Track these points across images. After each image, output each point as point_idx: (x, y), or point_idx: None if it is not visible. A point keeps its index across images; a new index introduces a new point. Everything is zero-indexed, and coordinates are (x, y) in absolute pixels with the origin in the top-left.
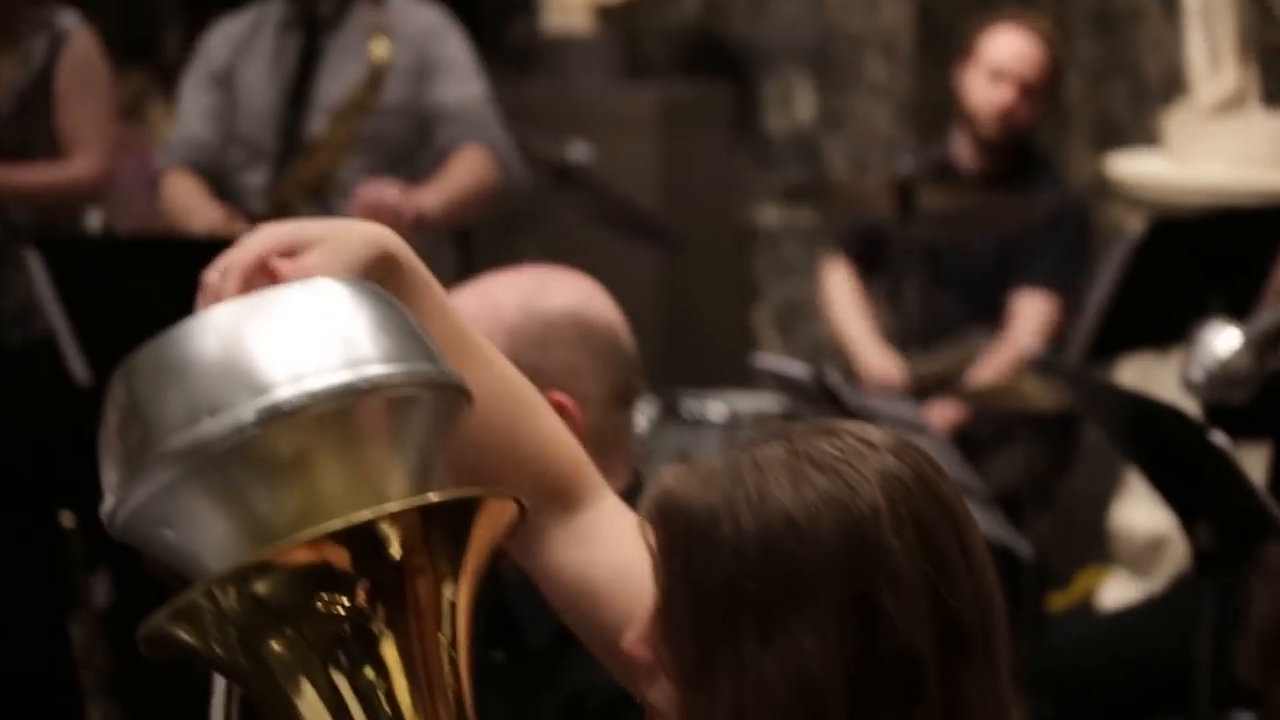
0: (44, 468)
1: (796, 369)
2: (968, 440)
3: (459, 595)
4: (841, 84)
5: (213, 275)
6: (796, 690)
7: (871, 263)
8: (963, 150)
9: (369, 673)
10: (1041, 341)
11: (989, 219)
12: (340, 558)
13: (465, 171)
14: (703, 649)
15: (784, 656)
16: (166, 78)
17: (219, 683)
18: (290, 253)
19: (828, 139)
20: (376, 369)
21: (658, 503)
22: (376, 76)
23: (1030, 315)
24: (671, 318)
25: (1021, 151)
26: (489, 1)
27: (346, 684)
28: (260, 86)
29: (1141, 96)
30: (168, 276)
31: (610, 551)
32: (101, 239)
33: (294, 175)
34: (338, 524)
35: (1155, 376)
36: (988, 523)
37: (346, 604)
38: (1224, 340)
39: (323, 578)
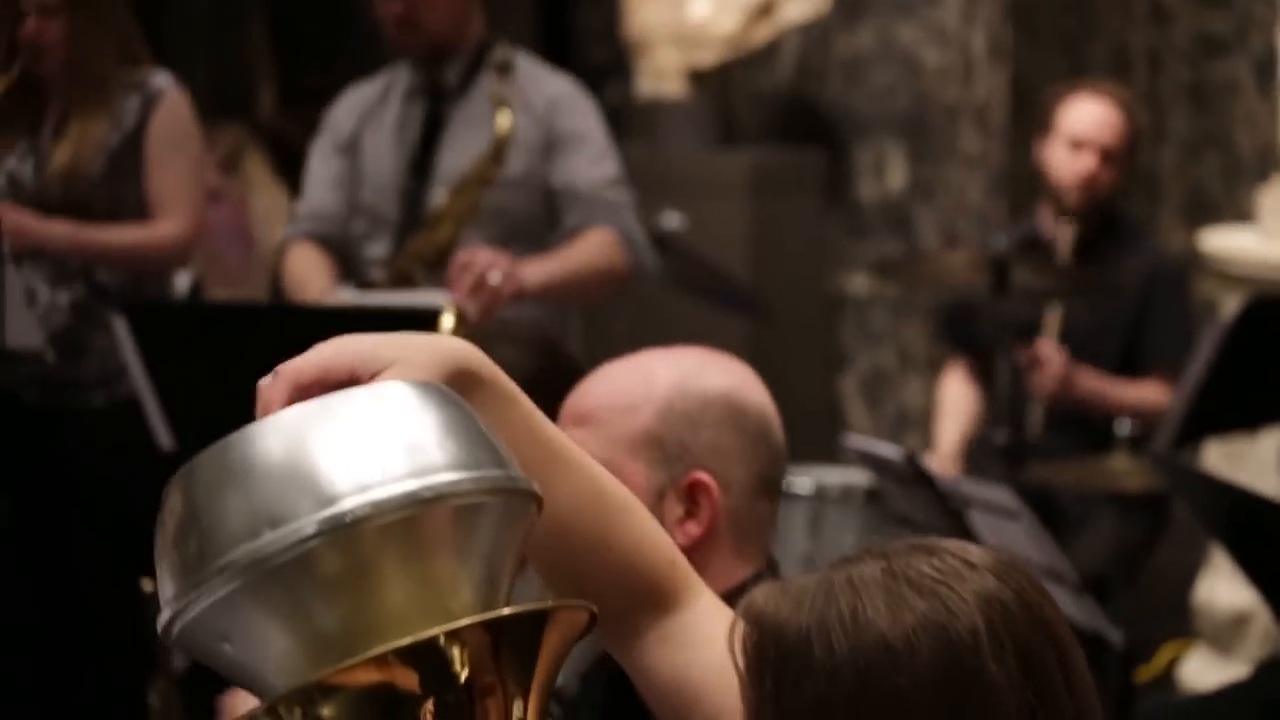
0: (124, 532)
1: (888, 450)
2: (1057, 516)
3: (529, 711)
4: (934, 154)
5: (266, 382)
6: None
7: (969, 341)
8: (1049, 224)
9: None
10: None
11: (1082, 292)
12: (407, 677)
13: (584, 252)
14: None
15: None
16: (261, 133)
17: None
18: (356, 378)
19: (919, 208)
20: (443, 477)
21: (748, 621)
22: (499, 149)
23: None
24: None
25: (1108, 219)
26: (584, 65)
27: None
28: (384, 155)
29: (1234, 171)
30: (252, 343)
31: (705, 653)
32: (187, 305)
33: (413, 247)
34: (404, 642)
35: (1244, 456)
36: (1079, 610)
37: None
38: None
39: (388, 698)
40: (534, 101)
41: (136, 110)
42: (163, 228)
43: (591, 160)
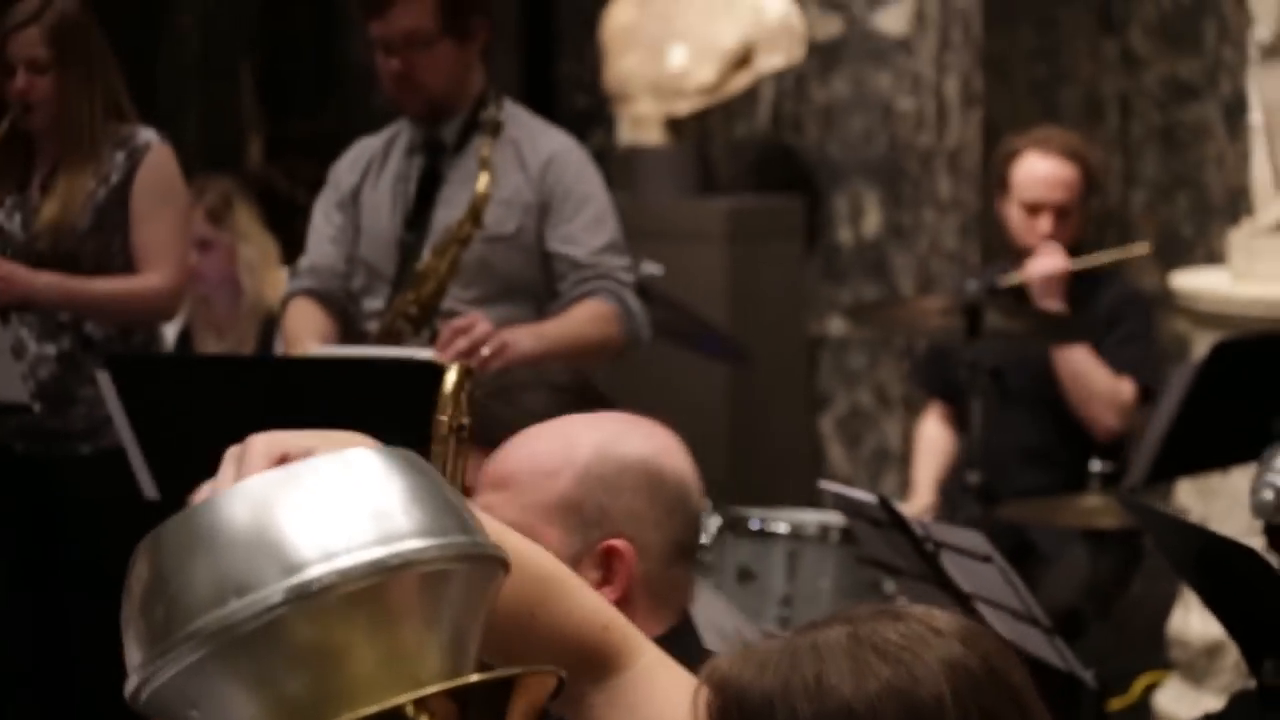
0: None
1: (862, 495)
2: (1032, 553)
3: None
4: (909, 199)
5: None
6: None
7: (944, 385)
8: (1020, 267)
9: None
10: (1118, 421)
11: (1054, 334)
12: None
13: (580, 324)
14: None
15: None
16: (249, 183)
17: None
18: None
19: (895, 252)
20: (409, 544)
21: (710, 686)
22: (475, 210)
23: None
24: (737, 427)
25: (1074, 257)
26: (567, 114)
27: None
28: (382, 210)
29: (1205, 213)
30: (234, 395)
31: (654, 710)
32: (169, 357)
33: (399, 304)
34: (372, 709)
35: (1216, 492)
36: (1051, 651)
37: None
38: None
39: None
40: (529, 161)
41: (123, 164)
42: (149, 280)
43: (589, 225)
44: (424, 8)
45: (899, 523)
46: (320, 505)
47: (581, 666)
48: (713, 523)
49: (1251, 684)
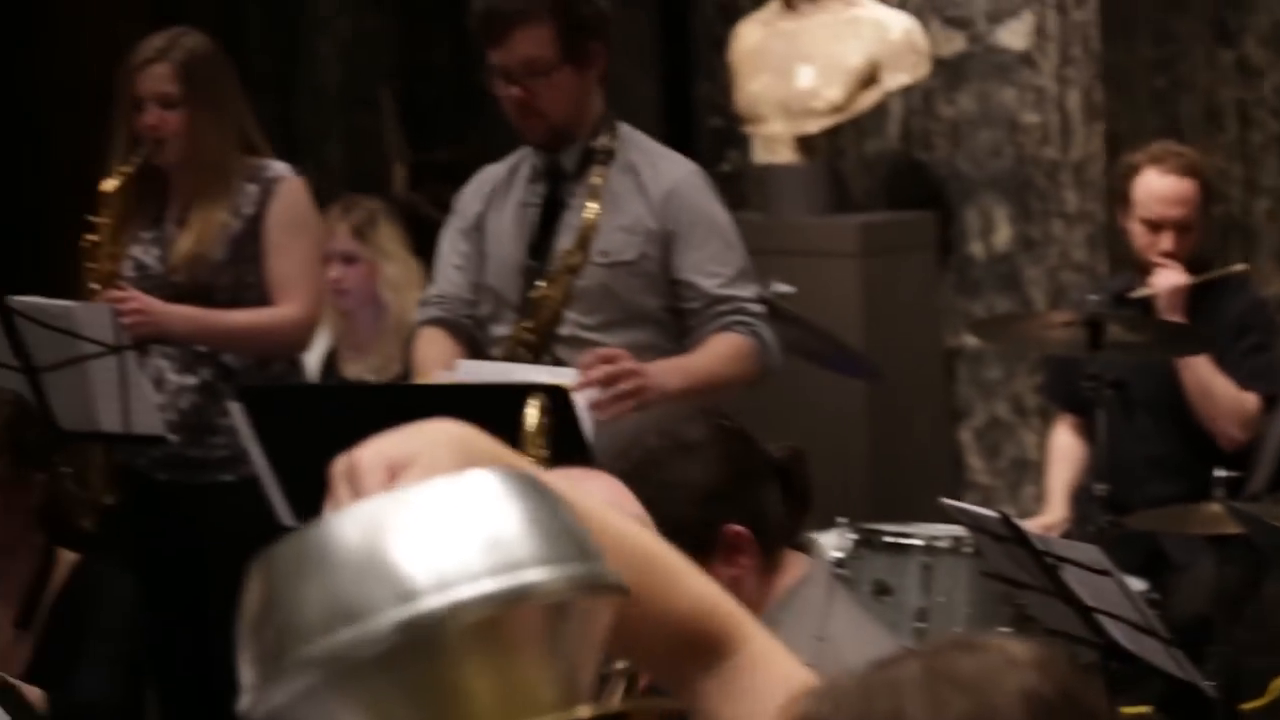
0: None
1: (984, 511)
2: (1163, 561)
3: None
4: (1037, 212)
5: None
6: None
7: (1071, 397)
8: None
9: None
10: (1243, 432)
11: (1177, 345)
12: None
13: (719, 361)
14: None
15: None
16: (395, 207)
17: None
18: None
19: (1026, 264)
20: (527, 575)
21: None
22: (583, 239)
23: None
24: (876, 442)
25: (1198, 267)
26: (704, 134)
27: None
28: (505, 237)
29: None
30: (364, 422)
31: (765, 697)
32: (300, 387)
33: (517, 332)
34: None
35: None
36: (1171, 662)
37: None
38: None
39: None
40: (650, 188)
41: (255, 197)
42: (283, 311)
43: (718, 254)
44: (543, 36)
45: (1020, 538)
46: (435, 529)
47: (690, 651)
48: (848, 537)
49: None
